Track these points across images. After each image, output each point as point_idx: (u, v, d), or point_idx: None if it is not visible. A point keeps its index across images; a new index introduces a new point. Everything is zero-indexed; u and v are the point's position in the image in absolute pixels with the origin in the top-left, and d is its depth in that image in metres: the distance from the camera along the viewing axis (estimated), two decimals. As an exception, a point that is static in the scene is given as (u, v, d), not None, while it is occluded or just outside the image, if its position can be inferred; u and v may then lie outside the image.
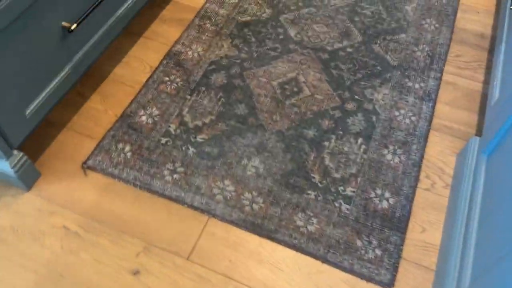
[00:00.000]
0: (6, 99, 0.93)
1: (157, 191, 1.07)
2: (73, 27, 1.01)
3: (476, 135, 1.20)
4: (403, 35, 1.41)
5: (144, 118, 1.20)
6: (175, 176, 1.10)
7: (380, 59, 1.35)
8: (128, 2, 1.23)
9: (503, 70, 1.10)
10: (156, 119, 1.20)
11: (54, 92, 1.06)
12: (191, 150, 1.15)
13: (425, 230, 1.04)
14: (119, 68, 1.31)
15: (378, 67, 1.33)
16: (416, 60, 1.35)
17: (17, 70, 0.94)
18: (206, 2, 1.48)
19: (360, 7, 1.49)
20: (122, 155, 1.13)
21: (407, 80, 1.30)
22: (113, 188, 1.08)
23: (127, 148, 1.14)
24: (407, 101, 1.25)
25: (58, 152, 1.14)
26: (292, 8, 1.48)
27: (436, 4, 1.50)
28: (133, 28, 1.40)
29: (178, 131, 1.18)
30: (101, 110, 1.22)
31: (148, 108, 1.22)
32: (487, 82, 1.31)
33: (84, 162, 1.12)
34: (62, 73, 1.07)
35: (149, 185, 1.08)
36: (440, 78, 1.31)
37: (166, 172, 1.10)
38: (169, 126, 1.19)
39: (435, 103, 1.25)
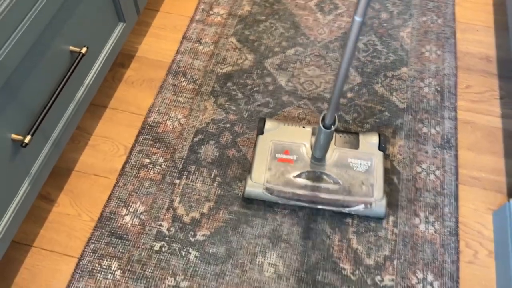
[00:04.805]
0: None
1: (161, 320, 0.88)
2: (27, 139, 0.78)
3: (509, 183, 1.07)
4: (404, 69, 1.26)
5: (128, 218, 0.99)
6: (180, 294, 0.90)
7: (386, 103, 1.19)
8: (89, 79, 1.00)
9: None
10: (143, 217, 0.99)
11: (14, 219, 0.83)
12: (193, 253, 0.95)
13: (480, 316, 0.90)
14: (86, 155, 1.08)
15: (386, 113, 1.17)
16: (425, 99, 1.20)
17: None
18: (177, 54, 1.27)
19: (351, 40, 1.31)
20: (110, 276, 0.92)
21: (421, 125, 1.15)
22: (105, 321, 0.87)
23: (115, 264, 0.93)
24: (427, 152, 1.10)
25: (29, 282, 0.91)
26: (276, 50, 1.29)
27: (431, 25, 1.36)
28: (95, 98, 1.17)
29: (173, 229, 0.98)
30: (73, 216, 1.00)
31: (130, 204, 1.01)
32: (505, 115, 1.18)
33: (64, 293, 0.90)
34: (20, 193, 0.84)
35: (150, 312, 0.88)
36: (456, 118, 1.17)
37: (168, 291, 0.90)
38: (161, 225, 0.98)
39: (456, 150, 1.11)
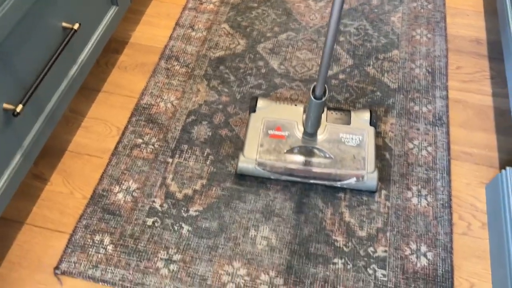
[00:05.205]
0: None
1: (153, 292, 0.87)
2: (18, 109, 0.79)
3: (501, 158, 1.07)
4: (396, 52, 1.27)
5: (120, 195, 0.99)
6: (172, 267, 0.90)
7: (378, 83, 1.20)
8: (82, 58, 1.01)
9: (526, 86, 0.98)
10: (135, 194, 0.99)
11: (5, 191, 0.83)
12: (186, 228, 0.95)
13: (473, 286, 0.90)
14: (79, 136, 1.09)
15: (378, 93, 1.18)
16: (416, 79, 1.21)
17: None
18: (170, 40, 1.28)
19: (342, 25, 1.33)
20: (102, 250, 0.91)
21: (412, 104, 1.16)
22: (97, 295, 0.87)
23: (107, 239, 0.93)
24: (418, 129, 1.11)
25: (21, 258, 0.91)
26: (269, 35, 1.30)
27: (422, 11, 1.38)
28: (88, 83, 1.18)
29: (166, 206, 0.98)
30: (66, 194, 1.00)
31: (123, 182, 1.01)
32: (496, 94, 1.19)
33: (56, 267, 0.89)
34: (12, 164, 0.84)
35: (142, 285, 0.87)
36: (447, 97, 1.17)
37: (160, 264, 0.90)
38: (154, 202, 0.98)
39: (448, 127, 1.11)
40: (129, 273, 0.89)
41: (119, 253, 0.91)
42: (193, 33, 1.30)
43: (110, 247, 0.92)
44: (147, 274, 0.89)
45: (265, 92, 1.17)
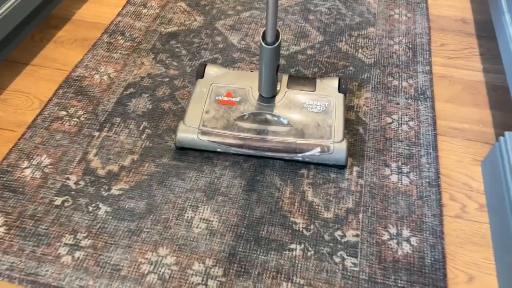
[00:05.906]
0: None
1: (48, 284, 0.65)
2: None
3: (497, 133, 0.89)
4: (371, 29, 1.12)
5: (28, 171, 0.79)
6: (77, 254, 0.69)
7: (350, 59, 1.04)
8: (-6, 10, 0.86)
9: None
10: (47, 170, 0.80)
11: None
12: (103, 209, 0.75)
13: (472, 278, 0.69)
14: (-8, 108, 0.91)
15: (351, 68, 1.02)
16: (395, 55, 1.05)
17: None
18: (117, 16, 1.14)
19: (313, 4, 1.20)
20: (-10, 233, 0.71)
21: (390, 78, 0.99)
22: (-25, 289, 0.65)
23: (0, 221, 0.72)
24: (398, 103, 0.94)
25: None
26: (230, 13, 1.16)
27: (400, -7, 1.25)
28: (16, 56, 1.02)
29: (82, 183, 0.78)
30: (-39, 169, 0.80)
31: (35, 156, 0.82)
32: (487, 70, 1.03)
33: None
34: None
35: (35, 275, 0.66)
36: (431, 72, 1.01)
37: (62, 250, 0.69)
38: (68, 178, 0.79)
39: (433, 102, 0.94)
40: (21, 261, 0.67)
41: (12, 236, 0.70)
42: (145, 10, 1.16)
43: (2, 229, 0.71)
44: (44, 262, 0.67)
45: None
